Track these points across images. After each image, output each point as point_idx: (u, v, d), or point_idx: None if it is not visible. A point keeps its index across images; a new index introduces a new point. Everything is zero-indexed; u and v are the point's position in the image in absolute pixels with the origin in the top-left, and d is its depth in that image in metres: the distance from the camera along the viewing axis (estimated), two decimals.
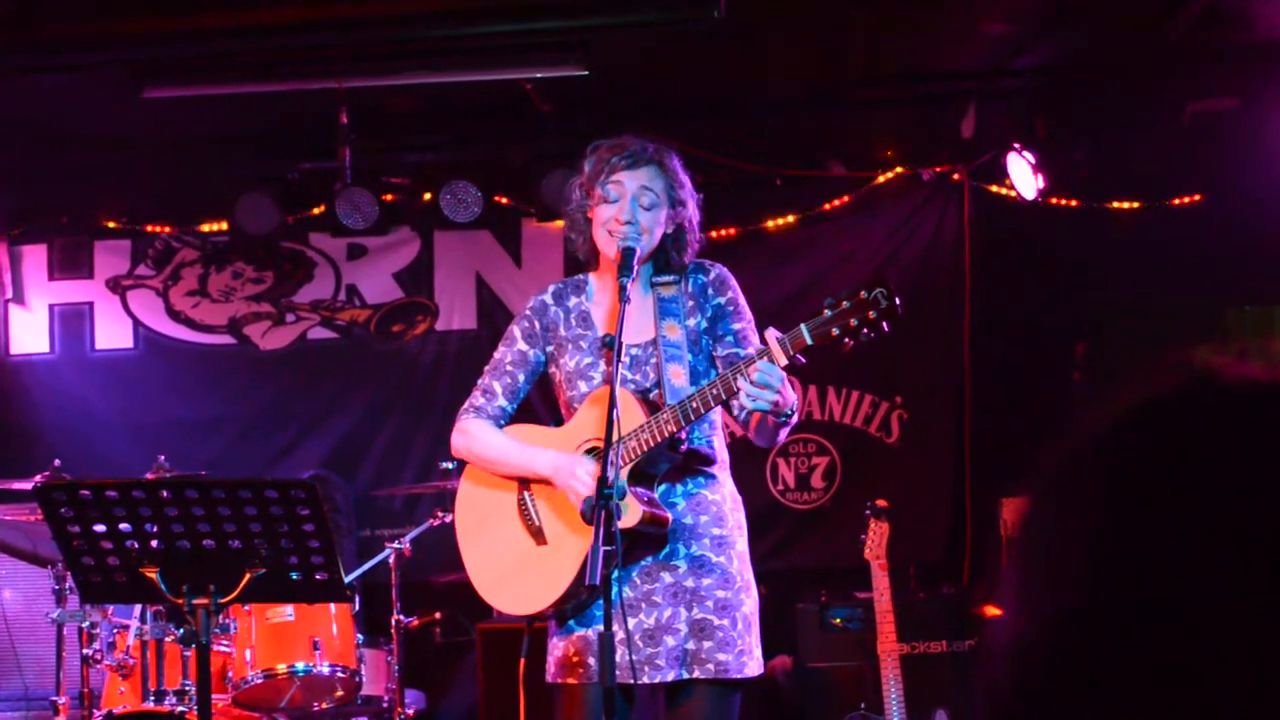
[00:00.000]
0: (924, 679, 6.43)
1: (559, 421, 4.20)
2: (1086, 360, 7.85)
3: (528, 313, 4.26)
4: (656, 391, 4.01)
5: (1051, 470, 1.04)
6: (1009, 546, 1.08)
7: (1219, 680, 0.93)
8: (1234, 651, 0.92)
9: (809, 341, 3.73)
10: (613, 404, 3.75)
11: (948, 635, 6.77)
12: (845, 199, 8.12)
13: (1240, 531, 0.94)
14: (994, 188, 7.92)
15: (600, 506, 3.63)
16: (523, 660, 4.02)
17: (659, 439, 3.88)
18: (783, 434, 4.02)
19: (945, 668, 6.69)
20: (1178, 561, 0.95)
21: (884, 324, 3.72)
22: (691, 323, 4.12)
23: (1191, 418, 0.99)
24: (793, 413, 3.86)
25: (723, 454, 4.16)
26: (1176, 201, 7.84)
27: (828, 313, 3.74)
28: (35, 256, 8.46)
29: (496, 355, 4.26)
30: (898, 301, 3.71)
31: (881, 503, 6.23)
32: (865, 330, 3.72)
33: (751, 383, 3.72)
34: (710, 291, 4.14)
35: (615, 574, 3.72)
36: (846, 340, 3.72)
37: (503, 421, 4.22)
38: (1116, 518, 0.98)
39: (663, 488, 4.02)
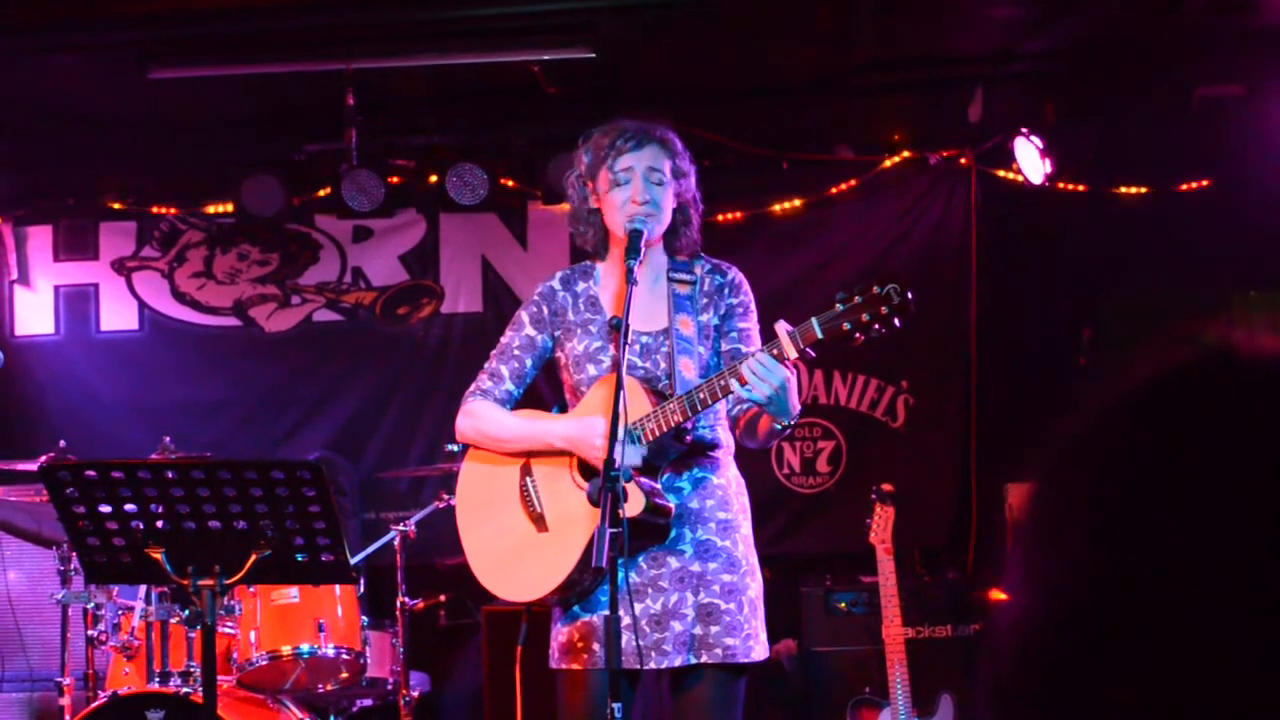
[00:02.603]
0: (929, 663, 6.42)
1: (563, 408, 4.20)
2: (1092, 345, 7.84)
3: (536, 298, 4.26)
4: (666, 382, 4.01)
5: (1058, 451, 1.03)
6: (1015, 530, 1.06)
7: (1223, 667, 0.92)
8: (1240, 635, 0.92)
9: (819, 335, 3.74)
10: (619, 385, 3.75)
11: (952, 620, 6.78)
12: (852, 183, 8.10)
13: (1250, 510, 0.93)
14: (1001, 172, 7.90)
15: (607, 489, 3.63)
16: (519, 648, 4.00)
17: (665, 428, 3.88)
18: (774, 439, 4.05)
19: (950, 652, 6.69)
20: (1185, 542, 0.94)
21: (895, 320, 3.72)
22: (704, 318, 4.13)
23: (1201, 393, 0.99)
24: (792, 423, 3.87)
25: (727, 439, 4.16)
26: (1184, 186, 7.82)
27: (839, 307, 3.74)
28: (40, 238, 8.45)
29: (504, 340, 4.26)
30: (910, 297, 3.71)
31: (887, 487, 6.23)
32: (877, 326, 3.72)
33: (752, 372, 3.73)
34: (726, 292, 4.17)
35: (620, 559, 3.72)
36: (857, 335, 3.72)
37: (509, 405, 4.22)
38: (1123, 499, 0.97)
39: (668, 474, 4.02)
